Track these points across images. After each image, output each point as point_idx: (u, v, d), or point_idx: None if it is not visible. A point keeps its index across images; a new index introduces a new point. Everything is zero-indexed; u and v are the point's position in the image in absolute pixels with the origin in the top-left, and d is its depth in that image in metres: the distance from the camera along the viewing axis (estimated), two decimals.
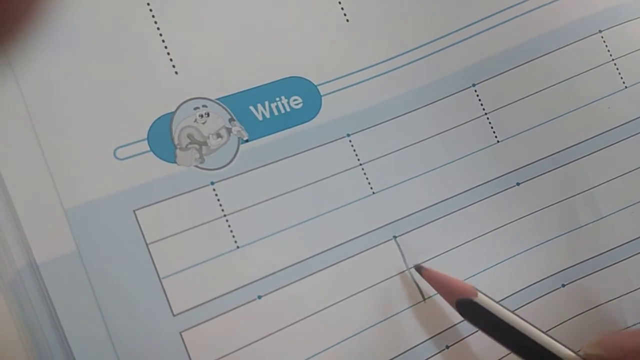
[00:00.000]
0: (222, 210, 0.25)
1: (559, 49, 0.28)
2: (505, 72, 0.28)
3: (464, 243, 0.27)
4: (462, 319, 0.25)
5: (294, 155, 0.26)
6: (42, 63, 0.23)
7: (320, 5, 0.27)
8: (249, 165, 0.25)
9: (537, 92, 0.28)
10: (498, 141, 0.28)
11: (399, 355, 0.25)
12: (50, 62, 0.24)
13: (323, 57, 0.27)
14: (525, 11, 0.28)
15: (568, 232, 0.28)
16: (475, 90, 0.28)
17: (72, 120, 0.23)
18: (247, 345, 0.24)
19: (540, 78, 0.28)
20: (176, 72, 0.25)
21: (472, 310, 0.24)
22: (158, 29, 0.25)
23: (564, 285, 0.28)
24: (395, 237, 0.26)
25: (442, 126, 0.27)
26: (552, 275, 0.28)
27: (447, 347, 0.26)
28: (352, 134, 0.26)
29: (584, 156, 0.28)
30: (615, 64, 0.29)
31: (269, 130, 0.26)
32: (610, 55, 0.29)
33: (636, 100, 0.29)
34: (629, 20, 0.29)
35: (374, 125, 0.27)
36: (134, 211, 0.24)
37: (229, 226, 0.25)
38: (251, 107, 0.26)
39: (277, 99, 0.26)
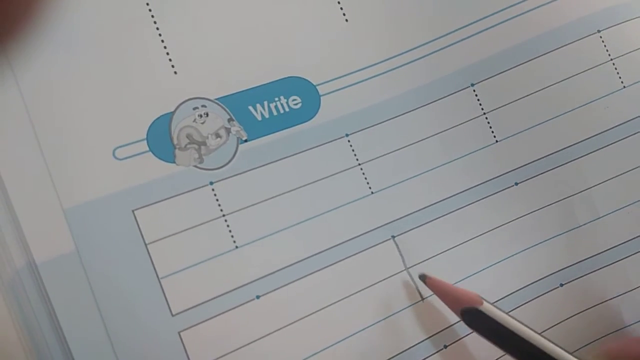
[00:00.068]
0: (221, 210, 0.25)
1: (557, 48, 0.28)
2: (504, 72, 0.28)
3: (463, 243, 0.27)
4: (460, 318, 0.25)
5: (292, 155, 0.26)
6: (41, 63, 0.24)
7: (319, 5, 0.27)
8: (247, 165, 0.25)
9: (535, 92, 0.28)
10: (496, 141, 0.28)
11: (397, 354, 0.25)
12: (50, 62, 0.24)
13: (322, 57, 0.27)
14: (524, 11, 0.28)
15: (566, 231, 0.28)
16: (474, 90, 0.28)
17: (72, 120, 0.24)
18: (246, 345, 0.24)
19: (539, 78, 0.28)
20: (175, 72, 0.25)
21: (477, 318, 0.24)
22: (157, 29, 0.25)
23: (562, 285, 0.28)
24: (393, 237, 0.26)
25: (441, 126, 0.28)
26: (550, 274, 0.28)
27: (445, 346, 0.26)
28: (351, 133, 0.27)
29: (582, 156, 0.28)
30: (613, 64, 0.29)
31: (268, 130, 0.26)
32: (609, 55, 0.29)
33: (634, 100, 0.29)
34: (628, 20, 0.29)
35: (372, 125, 0.27)
36: (133, 211, 0.24)
37: (228, 226, 0.25)
38: (250, 107, 0.26)
39: (276, 99, 0.26)
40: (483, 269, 0.27)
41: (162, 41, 0.25)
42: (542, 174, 0.28)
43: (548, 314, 0.27)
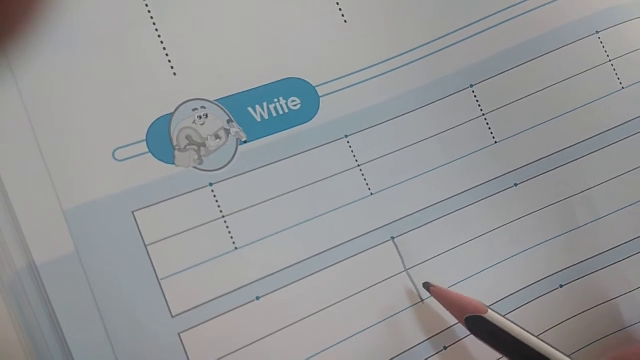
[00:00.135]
0: (221, 211, 0.25)
1: (556, 49, 0.28)
2: (503, 73, 0.28)
3: (462, 244, 0.27)
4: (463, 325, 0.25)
5: (292, 156, 0.26)
6: (41, 63, 0.24)
7: (318, 6, 0.27)
8: (247, 167, 0.25)
9: (534, 93, 0.28)
10: (496, 142, 0.28)
11: (397, 356, 0.25)
12: (50, 62, 0.24)
13: (321, 58, 0.27)
14: (523, 12, 0.28)
15: (566, 232, 0.28)
16: (473, 91, 0.28)
17: (71, 121, 0.24)
18: (246, 346, 0.24)
19: (538, 79, 0.28)
20: (175, 74, 0.25)
21: (481, 326, 0.24)
22: (157, 30, 0.25)
23: (562, 286, 0.28)
24: (393, 238, 0.26)
25: (440, 127, 0.28)
26: (550, 275, 0.28)
27: (445, 348, 0.26)
28: (350, 135, 0.27)
29: (582, 157, 0.28)
30: (612, 65, 0.29)
31: (267, 131, 0.26)
32: (608, 56, 0.29)
33: (633, 101, 0.29)
34: (626, 22, 0.29)
35: (372, 126, 0.27)
36: (132, 212, 0.24)
37: (228, 227, 0.25)
38: (249, 109, 0.26)
39: (276, 100, 0.26)
40: (483, 270, 0.27)
41: (162, 42, 0.25)
42: (541, 174, 0.28)
43: (548, 315, 0.27)
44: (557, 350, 0.23)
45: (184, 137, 0.25)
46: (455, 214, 0.27)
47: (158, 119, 0.25)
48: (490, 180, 0.28)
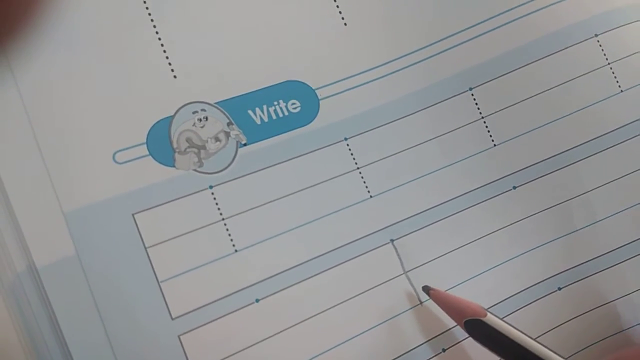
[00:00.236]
0: (221, 214, 0.25)
1: (555, 52, 0.29)
2: (502, 75, 0.28)
3: (461, 246, 0.27)
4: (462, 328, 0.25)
5: (291, 159, 0.26)
6: (41, 63, 0.24)
7: (318, 9, 0.27)
8: (247, 169, 0.25)
9: (533, 96, 0.28)
10: (495, 145, 0.28)
11: (396, 358, 0.25)
12: (50, 62, 0.24)
13: (321, 60, 0.27)
14: (522, 15, 0.28)
15: (564, 235, 0.28)
16: (472, 94, 0.28)
17: (71, 122, 0.24)
18: (245, 349, 0.24)
19: (537, 82, 0.28)
20: (175, 76, 0.25)
21: (480, 329, 0.24)
22: (157, 33, 0.25)
23: (560, 289, 0.28)
24: (392, 240, 0.26)
25: (439, 130, 0.28)
26: (548, 278, 0.28)
27: (444, 350, 0.26)
28: (350, 137, 0.27)
29: (580, 160, 0.28)
30: (611, 68, 0.29)
31: (267, 134, 0.26)
32: (606, 59, 0.29)
33: (632, 104, 0.29)
34: (625, 25, 0.29)
35: (371, 129, 0.27)
36: (132, 215, 0.24)
37: (227, 230, 0.25)
38: (249, 111, 0.26)
39: (275, 102, 0.26)
40: (481, 273, 0.27)
41: (162, 45, 0.25)
42: (540, 177, 0.28)
43: (546, 318, 0.27)
44: (555, 353, 0.23)
45: (184, 139, 0.25)
46: (454, 217, 0.27)
47: (158, 121, 0.25)
48: (489, 183, 0.28)
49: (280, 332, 0.24)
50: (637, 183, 0.29)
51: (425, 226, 0.27)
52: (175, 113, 0.25)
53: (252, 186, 0.25)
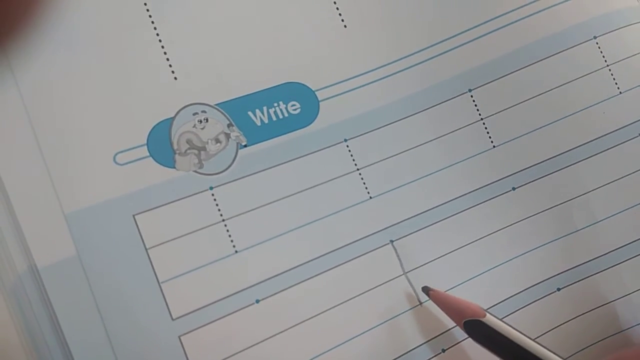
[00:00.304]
0: (221, 215, 0.25)
1: (554, 54, 0.29)
2: (501, 77, 0.28)
3: (460, 247, 0.27)
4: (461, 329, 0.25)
5: (292, 160, 0.26)
6: (41, 63, 0.24)
7: (318, 11, 0.27)
8: (247, 170, 0.25)
9: (532, 98, 0.28)
10: (494, 146, 0.28)
11: (396, 358, 0.26)
12: (50, 62, 0.24)
13: (321, 62, 0.27)
14: (521, 17, 0.28)
15: (564, 236, 0.28)
16: (472, 96, 0.28)
17: (72, 123, 0.24)
18: (246, 349, 0.24)
19: (536, 83, 0.29)
20: (175, 78, 0.25)
21: (479, 329, 0.24)
22: (157, 35, 0.25)
23: (559, 290, 0.28)
24: (392, 241, 0.26)
25: (439, 131, 0.28)
26: (547, 279, 0.28)
27: (443, 350, 0.26)
28: (350, 139, 0.27)
29: (580, 161, 0.29)
30: (610, 70, 0.29)
31: (267, 135, 0.26)
32: (605, 61, 0.29)
33: (631, 106, 0.29)
34: (624, 27, 0.29)
35: (371, 131, 0.27)
36: (133, 216, 0.24)
37: (228, 231, 0.25)
38: (249, 113, 0.26)
39: (275, 104, 0.26)
40: (481, 273, 0.27)
41: (162, 47, 0.25)
42: (539, 178, 0.28)
43: (545, 318, 0.28)
44: (555, 353, 0.23)
45: (185, 141, 0.25)
46: (453, 218, 0.27)
47: (158, 123, 0.25)
48: (489, 184, 0.28)
49: (281, 332, 0.24)
50: (636, 184, 0.29)
51: (425, 227, 0.27)
52: (176, 114, 0.25)
53: (252, 187, 0.25)
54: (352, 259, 0.26)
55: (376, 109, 0.27)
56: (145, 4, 0.25)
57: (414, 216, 0.27)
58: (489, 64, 0.28)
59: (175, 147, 0.25)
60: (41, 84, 0.24)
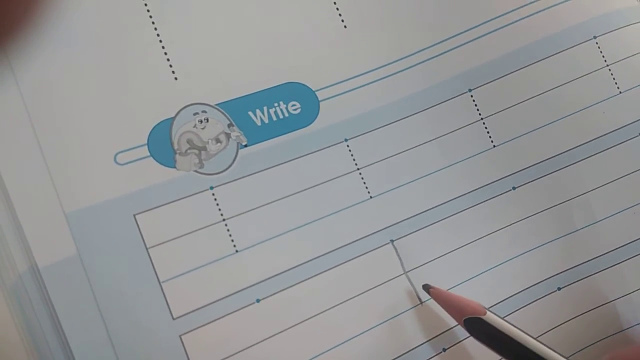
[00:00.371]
0: (221, 214, 0.25)
1: (554, 54, 0.29)
2: (501, 77, 0.28)
3: (461, 247, 0.27)
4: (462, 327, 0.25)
5: (292, 160, 0.26)
6: (41, 62, 0.24)
7: (318, 11, 0.27)
8: (247, 170, 0.25)
9: (532, 97, 0.28)
10: (494, 146, 0.28)
11: (397, 358, 0.26)
12: (50, 61, 0.24)
13: (321, 62, 0.27)
14: (521, 17, 0.29)
15: (564, 235, 0.28)
16: (472, 96, 0.28)
17: (72, 123, 0.24)
18: (246, 349, 0.24)
19: (536, 83, 0.29)
20: (175, 78, 0.25)
21: (480, 327, 0.24)
22: (158, 35, 0.25)
23: (559, 289, 0.28)
24: (392, 241, 0.26)
25: (439, 131, 0.28)
26: (547, 278, 0.28)
27: (444, 349, 0.26)
28: (350, 138, 0.27)
29: (580, 160, 0.29)
30: (609, 70, 0.29)
31: (267, 135, 0.26)
32: (605, 61, 0.29)
33: (631, 106, 0.29)
34: (623, 27, 0.29)
35: (371, 130, 0.27)
36: (134, 215, 0.24)
37: (228, 230, 0.25)
38: (250, 113, 0.26)
39: (276, 104, 0.26)
40: (481, 273, 0.27)
41: (163, 47, 0.25)
42: (539, 178, 0.28)
43: (546, 318, 0.28)
44: (555, 351, 0.23)
45: (185, 141, 0.25)
46: (454, 217, 0.27)
47: (159, 123, 0.25)
48: (489, 184, 0.28)
49: (281, 332, 0.25)
50: (636, 183, 0.29)
51: (425, 226, 0.27)
52: (176, 114, 0.25)
53: (252, 187, 0.25)
54: (353, 259, 0.26)
55: (376, 109, 0.27)
56: (145, 4, 0.25)
57: (414, 216, 0.27)
58: (489, 64, 0.28)
59: (175, 147, 0.25)
60: (42, 84, 0.24)
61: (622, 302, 0.28)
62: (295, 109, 0.26)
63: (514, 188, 0.28)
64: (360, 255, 0.26)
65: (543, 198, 0.28)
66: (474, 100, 0.28)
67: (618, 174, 0.29)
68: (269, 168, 0.26)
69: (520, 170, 0.28)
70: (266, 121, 0.26)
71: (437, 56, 0.28)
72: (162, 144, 0.25)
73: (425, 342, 0.26)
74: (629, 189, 0.29)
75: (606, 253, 0.28)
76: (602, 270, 0.28)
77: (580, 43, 0.29)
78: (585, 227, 0.28)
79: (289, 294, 0.25)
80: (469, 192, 0.28)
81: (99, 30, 0.24)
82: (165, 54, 0.25)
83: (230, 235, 0.25)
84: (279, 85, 0.26)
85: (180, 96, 0.25)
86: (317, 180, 0.26)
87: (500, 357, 0.25)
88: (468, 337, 0.26)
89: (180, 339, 0.24)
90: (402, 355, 0.26)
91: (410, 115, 0.27)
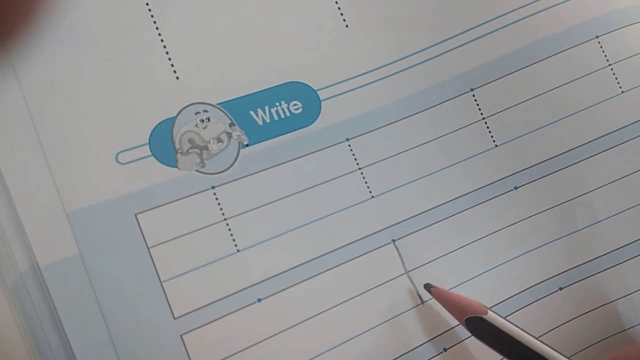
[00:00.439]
0: (223, 214, 0.25)
1: (556, 54, 0.29)
2: (503, 77, 0.28)
3: (462, 246, 0.27)
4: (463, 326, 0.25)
5: (293, 159, 0.26)
6: (43, 62, 0.24)
7: (319, 11, 0.27)
8: (249, 170, 0.25)
9: (534, 97, 0.28)
10: (496, 145, 0.28)
11: (397, 357, 0.26)
12: (51, 60, 0.24)
13: (322, 62, 0.27)
14: (523, 17, 0.28)
15: (565, 235, 0.28)
16: (474, 95, 0.28)
17: (74, 122, 0.24)
18: (247, 348, 0.24)
19: (538, 83, 0.29)
20: (177, 77, 0.25)
21: (481, 327, 0.24)
22: (160, 35, 0.25)
23: (561, 289, 0.28)
24: (393, 240, 0.26)
25: (441, 130, 0.28)
26: (549, 278, 0.28)
27: (445, 349, 0.26)
28: (351, 138, 0.27)
29: (581, 160, 0.28)
30: (612, 69, 0.29)
31: (269, 134, 0.26)
32: (607, 60, 0.29)
33: (633, 105, 0.29)
34: (626, 26, 0.29)
35: (372, 130, 0.27)
36: (135, 215, 0.24)
37: (229, 230, 0.25)
38: (251, 112, 0.26)
39: (277, 103, 0.26)
40: (483, 273, 0.27)
41: (165, 47, 0.25)
42: (541, 178, 0.28)
43: (547, 318, 0.28)
44: (557, 351, 0.23)
45: (187, 140, 0.25)
46: (455, 217, 0.27)
47: (160, 122, 0.25)
48: (491, 184, 0.28)
49: (283, 331, 0.25)
50: (638, 183, 0.29)
51: (427, 226, 0.27)
52: (178, 114, 0.25)
53: (254, 186, 0.25)
54: (354, 258, 0.26)
55: (378, 109, 0.27)
56: (147, 4, 0.25)
57: (416, 215, 0.27)
58: (491, 63, 0.28)
59: (177, 146, 0.25)
60: (43, 83, 0.24)
61: (623, 302, 0.28)
62: (296, 109, 0.26)
63: (515, 188, 0.28)
64: (362, 254, 0.26)
65: (545, 198, 0.28)
66: (475, 100, 0.28)
67: (620, 174, 0.29)
68: (271, 167, 0.26)
69: (522, 170, 0.28)
70: (267, 121, 0.26)
71: (438, 56, 0.28)
72: (163, 144, 0.25)
73: (427, 341, 0.26)
74: (631, 189, 0.29)
75: (608, 253, 0.28)
76: (603, 270, 0.28)
77: (582, 43, 0.29)
78: (587, 227, 0.28)
79: (291, 294, 0.25)
80: (470, 192, 0.28)
81: (100, 30, 0.24)
82: (167, 53, 0.25)
83: (231, 235, 0.25)
84: (280, 85, 0.26)
85: (181, 95, 0.25)
86: (318, 179, 0.26)
87: (501, 357, 0.25)
88: (469, 336, 0.26)
89: (182, 338, 0.24)
90: (403, 354, 0.26)
91: (412, 115, 0.27)
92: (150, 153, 0.24)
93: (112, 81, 0.24)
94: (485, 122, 0.28)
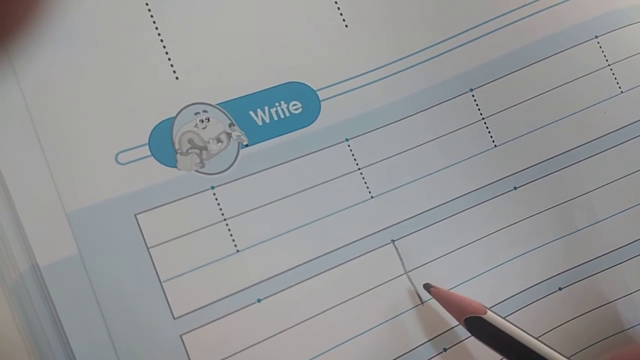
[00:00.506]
0: (222, 214, 0.25)
1: (555, 54, 0.29)
2: (503, 77, 0.28)
3: (462, 247, 0.27)
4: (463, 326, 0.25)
5: (293, 159, 0.26)
6: (43, 62, 0.24)
7: (319, 11, 0.27)
8: (248, 170, 0.25)
9: (534, 97, 0.28)
10: (495, 145, 0.28)
11: (397, 358, 0.26)
12: (51, 60, 0.24)
13: (322, 62, 0.27)
14: (522, 17, 0.28)
15: (565, 235, 0.28)
16: (473, 95, 0.28)
17: (74, 123, 0.24)
18: (247, 348, 0.24)
19: (537, 83, 0.29)
20: (177, 77, 0.25)
21: (480, 327, 0.24)
22: (159, 35, 0.25)
23: (560, 289, 0.28)
24: (393, 240, 0.26)
25: (440, 131, 0.28)
26: (549, 278, 0.28)
27: (445, 349, 0.26)
28: (351, 138, 0.27)
29: (581, 160, 0.28)
30: (611, 69, 0.29)
31: (268, 135, 0.26)
32: (607, 60, 0.29)
33: (632, 105, 0.29)
34: (625, 26, 0.29)
35: (372, 130, 0.27)
36: (135, 215, 0.24)
37: (229, 230, 0.25)
38: (251, 112, 0.26)
39: (277, 104, 0.26)
40: (482, 273, 0.27)
41: (164, 47, 0.25)
42: (541, 178, 0.28)
43: (547, 318, 0.28)
44: (556, 351, 0.23)
45: (186, 140, 0.25)
46: (455, 217, 0.27)
47: (160, 122, 0.25)
48: (490, 184, 0.28)
49: (282, 331, 0.25)
50: (637, 183, 0.29)
51: (426, 226, 0.27)
52: (177, 114, 0.25)
53: (253, 187, 0.25)
54: (354, 259, 0.26)
55: (377, 109, 0.27)
56: (146, 4, 0.25)
57: (415, 216, 0.27)
58: (490, 63, 0.28)
59: (176, 146, 0.25)
60: (43, 83, 0.24)
61: (623, 302, 0.28)
62: (296, 109, 0.26)
63: (515, 188, 0.28)
64: (361, 255, 0.26)
65: (544, 198, 0.28)
66: (475, 100, 0.28)
67: (620, 174, 0.29)
68: (270, 168, 0.26)
69: (522, 170, 0.28)
70: (267, 121, 0.26)
71: (438, 56, 0.28)
72: (163, 144, 0.25)
73: (426, 341, 0.26)
74: (631, 189, 0.29)
75: (607, 253, 0.28)
76: (603, 270, 0.28)
77: (582, 43, 0.29)
78: (587, 227, 0.28)
79: (291, 294, 0.25)
80: (470, 192, 0.28)
81: (100, 30, 0.24)
82: (166, 53, 0.25)
83: (231, 235, 0.25)
84: (280, 85, 0.26)
85: (181, 96, 0.25)
86: (318, 180, 0.26)
87: (501, 357, 0.25)
88: (469, 336, 0.26)
89: (181, 338, 0.24)
90: (403, 355, 0.26)
91: (412, 115, 0.27)
92: (149, 153, 0.24)
93: (112, 81, 0.24)
94: (485, 122, 0.28)
